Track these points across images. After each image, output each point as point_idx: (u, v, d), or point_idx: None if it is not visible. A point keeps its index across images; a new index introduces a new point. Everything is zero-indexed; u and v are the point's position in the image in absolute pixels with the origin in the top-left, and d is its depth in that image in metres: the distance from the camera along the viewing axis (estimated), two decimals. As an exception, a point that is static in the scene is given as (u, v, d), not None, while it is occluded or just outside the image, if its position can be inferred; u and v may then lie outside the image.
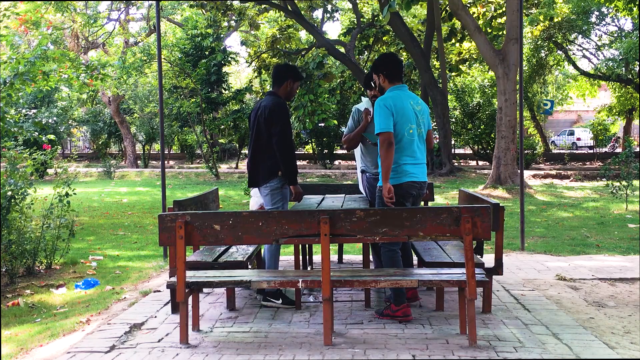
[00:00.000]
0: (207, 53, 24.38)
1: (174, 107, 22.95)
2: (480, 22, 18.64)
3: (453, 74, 23.10)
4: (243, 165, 26.51)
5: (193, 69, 23.03)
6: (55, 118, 19.60)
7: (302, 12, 20.16)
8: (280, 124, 4.68)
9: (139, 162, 27.24)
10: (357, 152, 5.25)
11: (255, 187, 4.99)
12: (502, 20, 18.56)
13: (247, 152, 6.26)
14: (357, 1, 22.20)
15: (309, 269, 5.71)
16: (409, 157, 4.31)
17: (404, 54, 22.34)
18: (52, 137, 7.31)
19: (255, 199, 5.68)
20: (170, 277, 4.37)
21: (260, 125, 4.77)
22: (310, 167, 25.91)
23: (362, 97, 5.30)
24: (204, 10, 21.62)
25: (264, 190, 4.82)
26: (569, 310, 4.58)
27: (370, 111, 4.94)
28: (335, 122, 23.14)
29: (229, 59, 25.96)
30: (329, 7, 23.31)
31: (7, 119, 6.14)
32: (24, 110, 7.06)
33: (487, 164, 23.13)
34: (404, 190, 4.29)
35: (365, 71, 22.23)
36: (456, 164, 23.20)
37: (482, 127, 23.80)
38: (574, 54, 27.72)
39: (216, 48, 23.78)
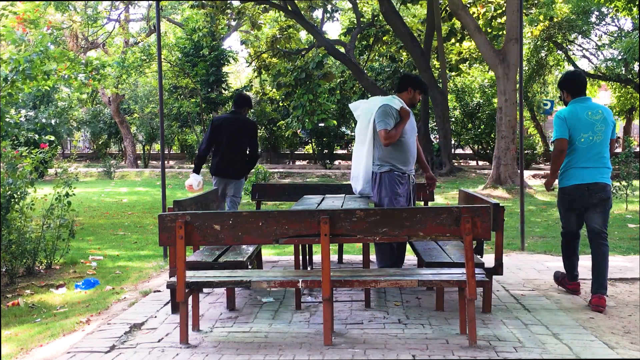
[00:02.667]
0: (206, 53, 24.38)
1: (173, 107, 22.95)
2: (480, 22, 18.64)
3: (453, 73, 23.10)
4: (243, 165, 26.48)
5: (193, 69, 23.03)
6: (55, 120, 19.61)
7: (302, 12, 20.14)
8: None
9: (139, 162, 27.23)
10: (370, 150, 5.10)
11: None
12: (502, 20, 18.56)
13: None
14: (357, 1, 22.19)
15: (309, 269, 5.70)
16: (577, 162, 4.79)
17: (404, 53, 22.34)
18: (51, 137, 7.30)
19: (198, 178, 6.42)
20: (170, 277, 4.36)
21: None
22: (310, 167, 25.92)
23: (393, 97, 5.18)
24: (203, 10, 21.59)
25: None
26: (569, 310, 4.58)
27: (409, 110, 5.07)
28: (335, 122, 23.14)
29: (228, 58, 25.96)
30: (329, 7, 23.29)
31: (7, 119, 6.14)
32: (23, 111, 7.05)
33: (487, 164, 23.12)
34: (572, 192, 4.84)
35: (366, 71, 22.33)
36: (456, 164, 23.20)
37: (482, 127, 23.80)
38: (574, 54, 27.71)
39: (207, 45, 23.71)
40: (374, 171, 5.15)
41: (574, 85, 4.96)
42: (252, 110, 26.68)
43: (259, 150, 6.34)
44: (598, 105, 4.92)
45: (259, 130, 27.65)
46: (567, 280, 5.16)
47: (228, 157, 6.24)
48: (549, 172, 5.28)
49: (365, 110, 5.21)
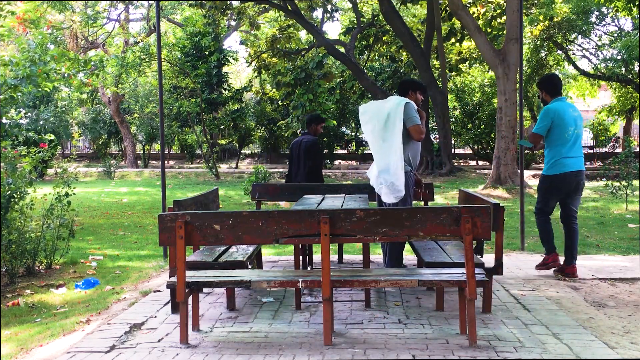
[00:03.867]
0: (206, 53, 24.38)
1: (173, 107, 22.95)
2: (480, 22, 18.64)
3: (453, 73, 23.10)
4: (243, 165, 26.52)
5: (193, 69, 23.03)
6: (54, 120, 19.61)
7: (302, 12, 20.14)
8: None
9: (139, 162, 27.24)
10: (400, 147, 4.87)
11: None
12: (502, 20, 18.56)
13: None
14: (357, 1, 22.18)
15: (309, 269, 5.70)
16: (567, 152, 5.43)
17: (404, 53, 22.34)
18: (51, 136, 7.30)
19: None
20: (170, 277, 4.36)
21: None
22: (310, 167, 25.88)
23: (402, 98, 5.12)
24: (202, 10, 21.59)
25: None
26: (569, 310, 4.58)
27: (423, 112, 5.19)
28: (335, 122, 23.15)
29: (228, 58, 25.95)
30: (329, 7, 23.29)
31: (7, 120, 6.15)
32: (23, 111, 7.06)
33: (487, 164, 23.12)
34: (560, 179, 5.48)
35: (366, 71, 22.33)
36: (456, 164, 23.20)
37: (482, 127, 23.80)
38: (573, 53, 27.71)
39: (211, 47, 23.74)
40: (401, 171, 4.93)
41: (551, 85, 5.60)
42: (252, 110, 26.81)
43: (312, 165, 6.91)
44: (573, 104, 5.70)
45: (259, 131, 27.68)
46: (547, 256, 5.78)
47: (293, 174, 7.06)
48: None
49: (379, 110, 5.05)
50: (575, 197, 5.61)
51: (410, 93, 5.25)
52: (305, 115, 20.77)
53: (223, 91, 26.41)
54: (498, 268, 4.55)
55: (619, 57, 22.92)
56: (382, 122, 4.95)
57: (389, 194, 4.89)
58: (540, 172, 19.77)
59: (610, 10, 22.55)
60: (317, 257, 6.23)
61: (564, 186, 5.51)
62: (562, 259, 5.82)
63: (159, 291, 5.28)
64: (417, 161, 5.23)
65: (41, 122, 17.36)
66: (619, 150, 26.49)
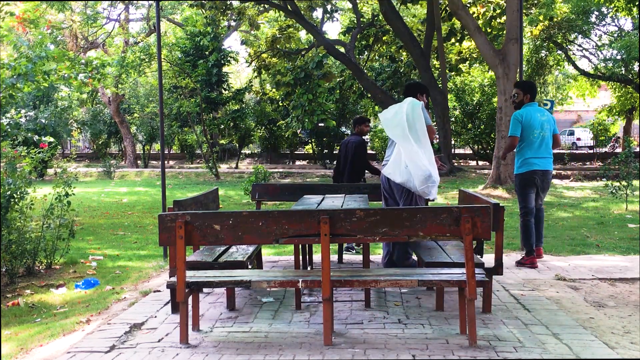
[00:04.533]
0: (206, 53, 24.38)
1: (173, 107, 22.97)
2: (480, 22, 18.64)
3: (452, 73, 23.10)
4: (243, 166, 26.53)
5: (193, 68, 23.03)
6: (55, 120, 19.61)
7: (302, 12, 20.13)
8: None
9: (139, 162, 27.25)
10: (429, 151, 5.14)
11: None
12: (502, 20, 18.56)
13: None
14: (357, 1, 22.18)
15: (309, 269, 5.70)
16: (535, 153, 6.05)
17: (404, 53, 22.34)
18: (50, 138, 7.30)
19: None
20: (170, 277, 4.36)
21: None
22: (310, 167, 25.92)
23: (415, 100, 5.36)
24: (203, 10, 21.59)
25: None
26: (569, 310, 4.58)
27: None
28: (334, 123, 23.17)
29: (228, 58, 25.96)
30: (329, 7, 23.29)
31: (6, 120, 6.14)
32: (23, 111, 7.05)
33: (487, 164, 23.12)
34: (529, 176, 6.08)
35: (366, 71, 22.33)
36: (456, 164, 23.19)
37: (482, 127, 23.79)
38: (573, 53, 27.72)
39: (210, 46, 23.73)
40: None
41: (534, 91, 6.25)
42: (252, 110, 26.81)
43: (357, 164, 7.32)
44: (543, 109, 6.23)
45: (259, 131, 27.68)
46: (526, 256, 6.16)
47: (340, 172, 7.45)
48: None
49: (400, 114, 5.21)
50: (542, 194, 6.26)
51: (417, 96, 5.52)
52: (304, 115, 20.81)
53: (223, 91, 26.40)
54: (498, 268, 4.55)
55: (618, 57, 22.91)
56: (401, 126, 5.14)
57: (434, 191, 5.18)
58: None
59: (610, 10, 22.55)
60: (317, 257, 6.23)
61: (532, 183, 6.13)
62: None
63: (159, 291, 5.28)
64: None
65: (42, 121, 17.37)
66: (619, 150, 26.49)
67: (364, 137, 7.70)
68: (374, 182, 7.69)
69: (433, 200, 5.42)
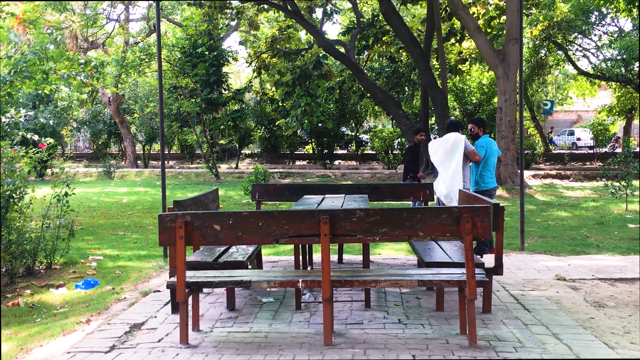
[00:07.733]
0: (206, 53, 24.36)
1: (173, 107, 22.97)
2: (480, 22, 18.63)
3: (452, 75, 23.07)
4: (243, 166, 26.53)
5: (192, 69, 23.03)
6: (54, 120, 19.60)
7: (302, 12, 20.12)
8: None
9: (139, 162, 27.24)
10: (458, 175, 6.71)
11: None
12: (502, 20, 18.55)
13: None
14: (357, 1, 22.18)
15: (309, 269, 5.70)
16: (493, 174, 7.41)
17: (404, 53, 22.32)
18: (50, 139, 7.28)
19: None
20: (170, 277, 4.36)
21: None
22: (310, 167, 25.91)
23: (458, 135, 7.06)
24: (201, 9, 21.57)
25: None
26: (569, 310, 4.58)
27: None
28: (332, 124, 23.16)
29: (227, 58, 25.92)
30: (329, 7, 23.27)
31: (6, 120, 6.14)
32: (23, 111, 7.04)
33: (487, 164, 23.05)
34: (493, 191, 7.32)
35: (365, 71, 22.32)
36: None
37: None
38: (573, 54, 27.71)
39: (202, 41, 23.69)
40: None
41: (485, 125, 7.60)
42: (252, 110, 26.82)
43: (408, 166, 8.96)
44: (493, 140, 8.09)
45: (259, 131, 27.70)
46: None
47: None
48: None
49: (444, 144, 6.88)
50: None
51: (459, 130, 7.20)
52: (304, 115, 20.82)
53: (223, 91, 26.38)
54: (498, 268, 4.55)
55: (618, 57, 22.90)
56: (447, 151, 6.84)
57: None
58: (539, 172, 19.84)
59: (610, 10, 22.55)
60: (317, 257, 6.23)
61: (494, 195, 7.48)
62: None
63: (159, 291, 5.28)
64: (468, 176, 7.08)
65: (42, 120, 17.35)
66: (618, 150, 26.49)
67: (418, 144, 8.98)
68: (428, 181, 9.07)
69: None
